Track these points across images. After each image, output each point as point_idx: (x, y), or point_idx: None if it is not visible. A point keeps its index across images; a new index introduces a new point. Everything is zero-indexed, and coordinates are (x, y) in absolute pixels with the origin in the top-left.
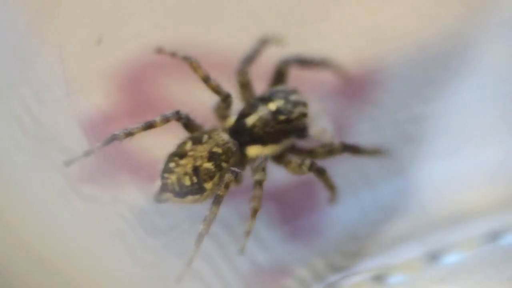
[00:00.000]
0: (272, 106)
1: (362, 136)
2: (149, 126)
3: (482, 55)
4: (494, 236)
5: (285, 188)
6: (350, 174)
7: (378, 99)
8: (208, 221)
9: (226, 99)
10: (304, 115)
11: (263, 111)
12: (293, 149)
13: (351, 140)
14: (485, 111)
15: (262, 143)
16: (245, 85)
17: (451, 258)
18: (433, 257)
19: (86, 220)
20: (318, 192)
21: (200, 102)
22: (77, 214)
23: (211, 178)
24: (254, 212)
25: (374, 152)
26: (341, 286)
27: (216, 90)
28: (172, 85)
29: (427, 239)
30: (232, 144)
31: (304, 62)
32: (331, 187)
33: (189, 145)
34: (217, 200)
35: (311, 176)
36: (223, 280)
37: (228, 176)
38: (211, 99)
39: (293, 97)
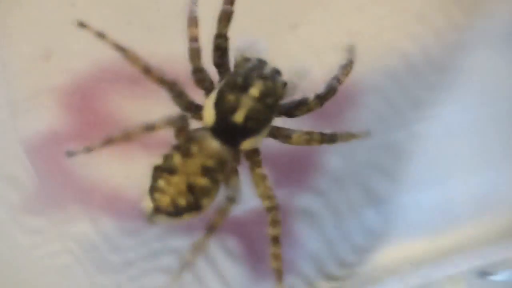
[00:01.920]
0: (255, 92)
1: (333, 164)
2: (150, 128)
3: (471, 72)
4: (483, 272)
5: (248, 220)
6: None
7: (353, 120)
8: (196, 252)
9: (174, 87)
10: (285, 84)
11: (248, 103)
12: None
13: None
14: (471, 135)
15: (255, 133)
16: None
17: None
18: None
19: (29, 255)
20: (289, 223)
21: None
22: (19, 248)
23: (208, 194)
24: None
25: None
26: None
27: (160, 80)
28: (125, 102)
29: (409, 276)
30: (225, 152)
31: None
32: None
33: (178, 159)
34: (211, 231)
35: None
36: None
37: (225, 205)
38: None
39: (267, 70)
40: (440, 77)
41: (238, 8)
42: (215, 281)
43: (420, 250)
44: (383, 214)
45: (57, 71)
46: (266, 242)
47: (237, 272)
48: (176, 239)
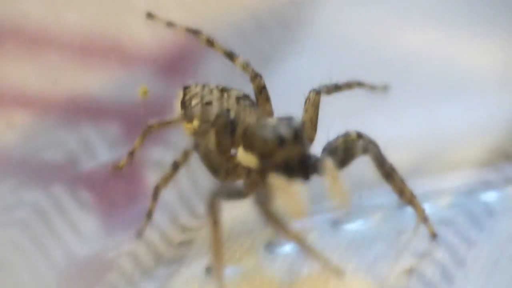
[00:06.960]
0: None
1: None
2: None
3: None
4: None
5: (101, 174)
6: None
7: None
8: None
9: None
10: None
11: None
12: None
13: None
14: None
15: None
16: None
17: None
18: None
19: None
20: (142, 175)
21: None
22: None
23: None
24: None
25: None
26: (172, 282)
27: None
28: None
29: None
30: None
31: (332, 89)
32: None
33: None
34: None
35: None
36: (36, 273)
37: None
38: None
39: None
40: (287, 32)
41: None
42: (68, 232)
43: None
44: None
45: None
46: (117, 194)
47: (90, 223)
48: (30, 193)
